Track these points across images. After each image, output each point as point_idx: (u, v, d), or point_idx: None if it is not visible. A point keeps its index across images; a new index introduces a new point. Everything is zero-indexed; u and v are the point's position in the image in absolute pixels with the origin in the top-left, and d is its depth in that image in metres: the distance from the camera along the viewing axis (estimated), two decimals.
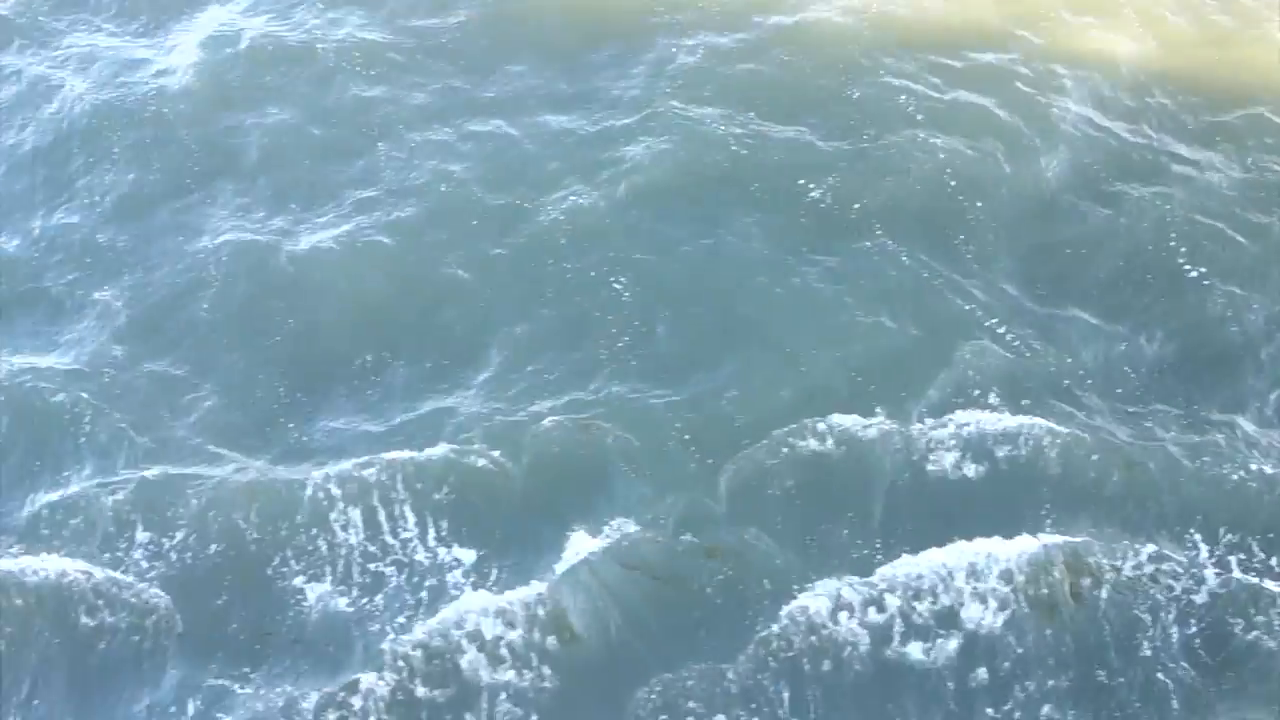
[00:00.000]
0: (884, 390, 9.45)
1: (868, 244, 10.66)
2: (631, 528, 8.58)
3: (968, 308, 10.12)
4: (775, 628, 8.02)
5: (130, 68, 12.85)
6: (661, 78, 12.50)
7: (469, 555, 8.57)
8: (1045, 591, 8.16)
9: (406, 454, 8.98)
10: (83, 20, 13.54)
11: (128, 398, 9.71)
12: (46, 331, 10.34)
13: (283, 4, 13.57)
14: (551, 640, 7.99)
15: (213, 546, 8.70)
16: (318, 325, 10.22)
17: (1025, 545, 8.36)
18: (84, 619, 8.25)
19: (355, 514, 8.74)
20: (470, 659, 7.90)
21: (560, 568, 8.36)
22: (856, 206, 10.97)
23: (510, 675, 7.87)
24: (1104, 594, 8.21)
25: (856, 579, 8.22)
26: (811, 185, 11.12)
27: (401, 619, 8.26)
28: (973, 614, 8.06)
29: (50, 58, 13.09)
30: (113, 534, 8.73)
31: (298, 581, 8.50)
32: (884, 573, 8.24)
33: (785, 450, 8.95)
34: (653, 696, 7.78)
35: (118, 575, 8.45)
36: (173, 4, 13.70)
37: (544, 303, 10.27)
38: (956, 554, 8.29)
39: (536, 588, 8.21)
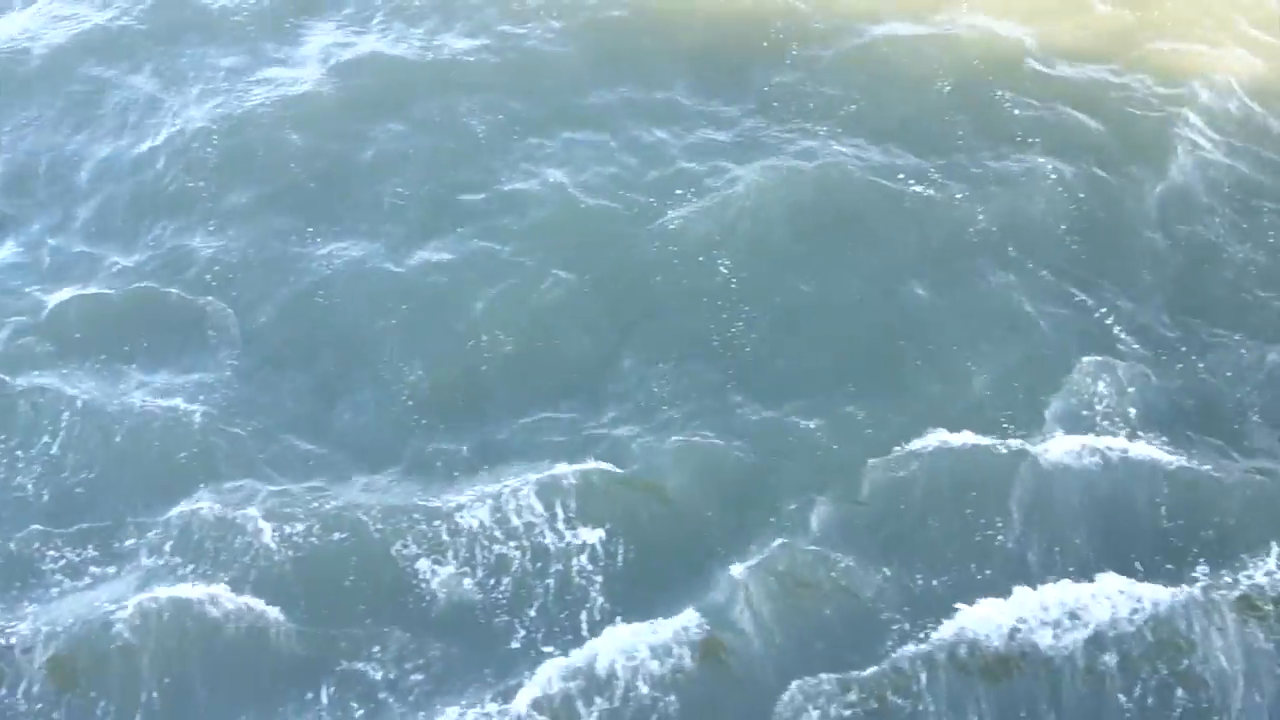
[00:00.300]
0: (1009, 407, 9.49)
1: (982, 261, 10.74)
2: (771, 538, 8.61)
3: (1088, 325, 10.16)
4: (910, 632, 8.11)
5: (240, 85, 13.12)
6: (764, 92, 12.71)
7: (608, 571, 8.59)
8: (1180, 599, 8.14)
9: (541, 471, 9.05)
10: (191, 38, 13.81)
11: (251, 413, 9.80)
12: (169, 346, 10.42)
13: (387, 21, 13.89)
14: (695, 646, 8.03)
15: (342, 562, 8.70)
16: (433, 338, 10.28)
17: (1158, 569, 8.47)
18: (218, 628, 8.28)
19: (491, 526, 8.78)
20: (608, 658, 7.98)
21: (703, 578, 8.46)
22: (969, 223, 11.07)
23: (653, 667, 7.91)
24: (1234, 596, 8.19)
25: (992, 598, 8.25)
26: (922, 201, 11.24)
27: (539, 623, 8.37)
28: (1103, 613, 8.06)
29: (161, 75, 13.36)
30: (241, 546, 8.76)
31: (426, 579, 8.60)
32: (1018, 591, 8.29)
33: (914, 466, 8.99)
34: (793, 692, 7.80)
35: (246, 587, 8.55)
36: (278, 23, 14.02)
37: (659, 317, 10.38)
38: (1090, 583, 8.33)
39: (680, 604, 8.27)
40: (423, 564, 8.63)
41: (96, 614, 8.26)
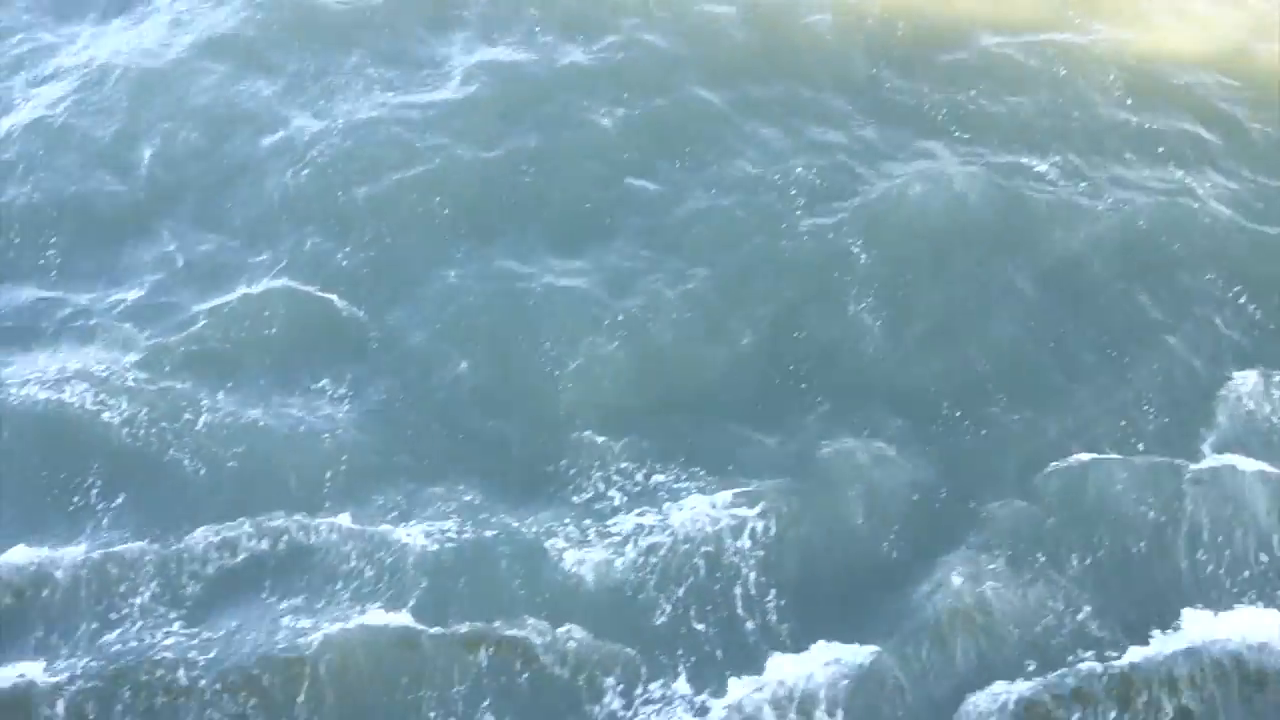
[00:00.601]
0: (1167, 421, 9.48)
1: (1126, 268, 10.74)
2: (940, 549, 8.68)
3: (1239, 336, 10.08)
4: (1084, 645, 8.14)
5: (373, 90, 13.24)
6: (888, 95, 12.77)
7: (770, 580, 8.65)
8: None
9: (694, 474, 9.19)
10: (322, 45, 13.94)
11: (396, 413, 9.88)
12: (312, 348, 10.50)
13: (511, 26, 14.00)
14: (866, 654, 8.11)
15: (492, 552, 8.80)
16: (573, 340, 10.31)
17: None
18: (381, 625, 8.38)
19: (649, 526, 8.89)
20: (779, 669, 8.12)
21: (870, 586, 8.56)
22: (1109, 230, 11.06)
23: (824, 674, 8.00)
24: None
25: (1164, 612, 8.30)
26: (1062, 208, 11.25)
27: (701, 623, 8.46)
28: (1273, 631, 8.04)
29: (293, 80, 13.51)
30: (394, 542, 8.90)
31: (577, 568, 8.73)
32: (1190, 605, 8.34)
33: (1075, 479, 9.01)
34: (970, 702, 7.89)
35: (404, 575, 8.72)
36: (407, 31, 14.10)
37: (800, 321, 10.41)
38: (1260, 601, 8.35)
39: (848, 609, 8.38)
40: (571, 555, 8.74)
41: (267, 614, 8.48)
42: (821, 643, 8.16)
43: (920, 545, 8.71)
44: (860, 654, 8.06)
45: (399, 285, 10.97)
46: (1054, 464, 9.11)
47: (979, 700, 7.81)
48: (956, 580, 8.39)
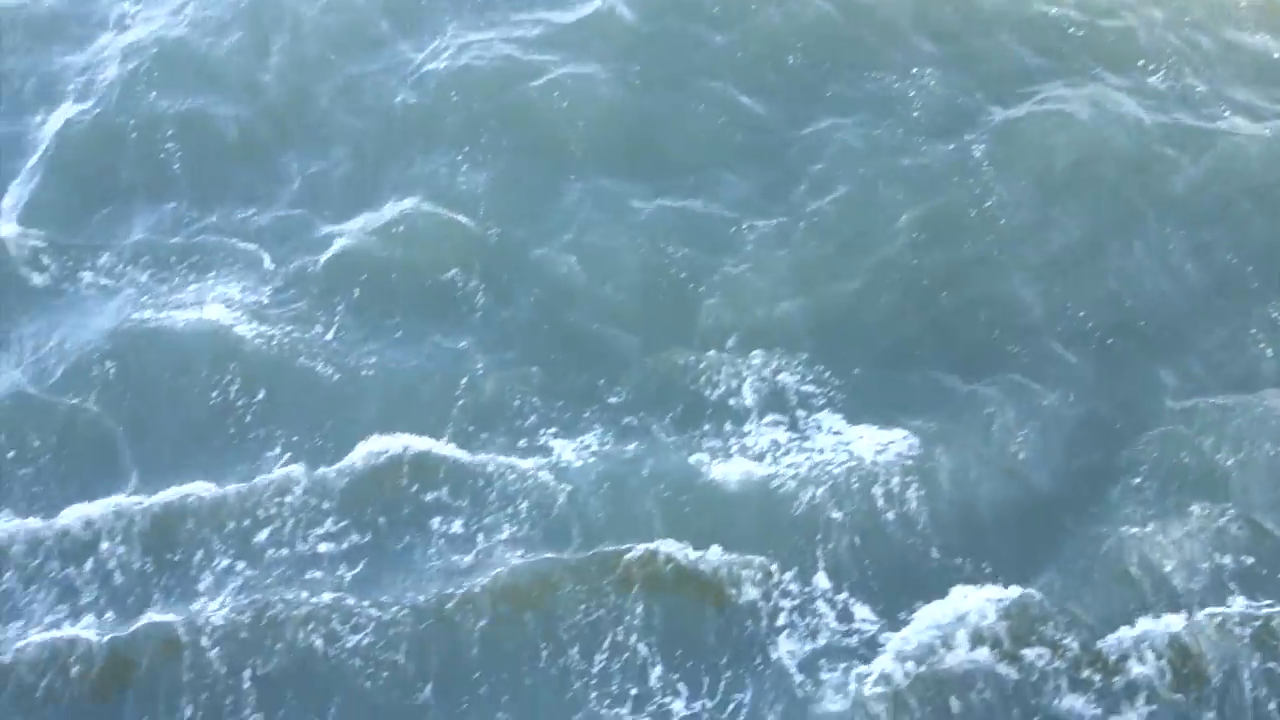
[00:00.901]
0: None
1: (1257, 208, 10.55)
2: (1095, 487, 8.67)
3: None
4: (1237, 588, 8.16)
5: (493, 22, 13.02)
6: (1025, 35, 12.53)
7: (923, 514, 8.73)
8: None
9: (848, 414, 9.25)
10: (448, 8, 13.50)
11: (522, 345, 9.92)
12: (459, 287, 10.42)
13: None
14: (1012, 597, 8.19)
15: (634, 466, 8.94)
16: (698, 283, 10.26)
17: None
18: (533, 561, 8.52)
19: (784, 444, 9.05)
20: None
21: (1023, 525, 8.61)
22: (1245, 167, 10.89)
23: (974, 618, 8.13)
24: None
25: None
26: (1182, 144, 11.07)
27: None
28: None
29: (413, 13, 13.24)
30: (532, 469, 9.03)
31: (719, 477, 8.93)
32: None
33: (1220, 421, 8.96)
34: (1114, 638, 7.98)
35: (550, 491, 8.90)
36: None
37: (932, 251, 10.34)
38: None
39: (999, 544, 8.45)
40: (715, 469, 8.91)
41: (409, 526, 8.70)
42: (965, 568, 8.31)
43: (1069, 475, 8.77)
44: (1008, 582, 8.19)
45: (523, 203, 11.01)
46: (1207, 396, 9.10)
47: (1126, 633, 7.93)
48: (1108, 513, 8.49)
